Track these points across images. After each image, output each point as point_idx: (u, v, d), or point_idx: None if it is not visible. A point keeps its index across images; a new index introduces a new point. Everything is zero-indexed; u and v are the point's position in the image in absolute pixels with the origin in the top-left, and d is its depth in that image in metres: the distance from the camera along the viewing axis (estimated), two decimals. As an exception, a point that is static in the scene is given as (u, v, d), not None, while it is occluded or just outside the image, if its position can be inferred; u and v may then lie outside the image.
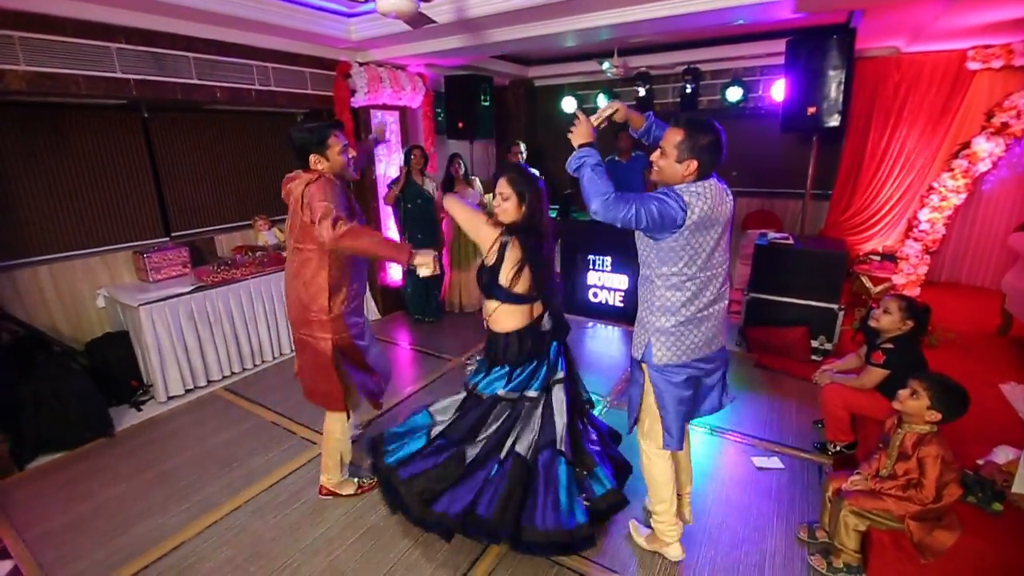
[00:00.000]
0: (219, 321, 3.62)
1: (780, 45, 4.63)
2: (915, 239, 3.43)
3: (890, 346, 2.42)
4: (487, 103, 5.14)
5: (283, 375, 3.77)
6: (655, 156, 1.77)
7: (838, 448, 2.63)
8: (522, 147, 4.89)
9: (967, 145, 3.19)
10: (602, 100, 5.70)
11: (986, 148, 3.09)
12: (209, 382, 3.60)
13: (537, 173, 1.70)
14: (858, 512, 1.93)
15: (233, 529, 2.26)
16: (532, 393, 2.01)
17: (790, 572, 1.99)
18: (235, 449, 2.86)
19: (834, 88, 3.47)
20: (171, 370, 3.38)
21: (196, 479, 2.61)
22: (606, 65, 4.56)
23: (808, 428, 2.97)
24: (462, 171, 4.60)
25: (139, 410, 3.32)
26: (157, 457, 2.81)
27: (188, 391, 3.48)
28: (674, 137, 1.70)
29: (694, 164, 1.69)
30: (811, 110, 3.54)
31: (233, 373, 3.75)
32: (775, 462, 2.65)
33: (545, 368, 2.04)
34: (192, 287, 3.47)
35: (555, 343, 2.08)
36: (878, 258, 4.37)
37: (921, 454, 1.83)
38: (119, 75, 2.92)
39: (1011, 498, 1.95)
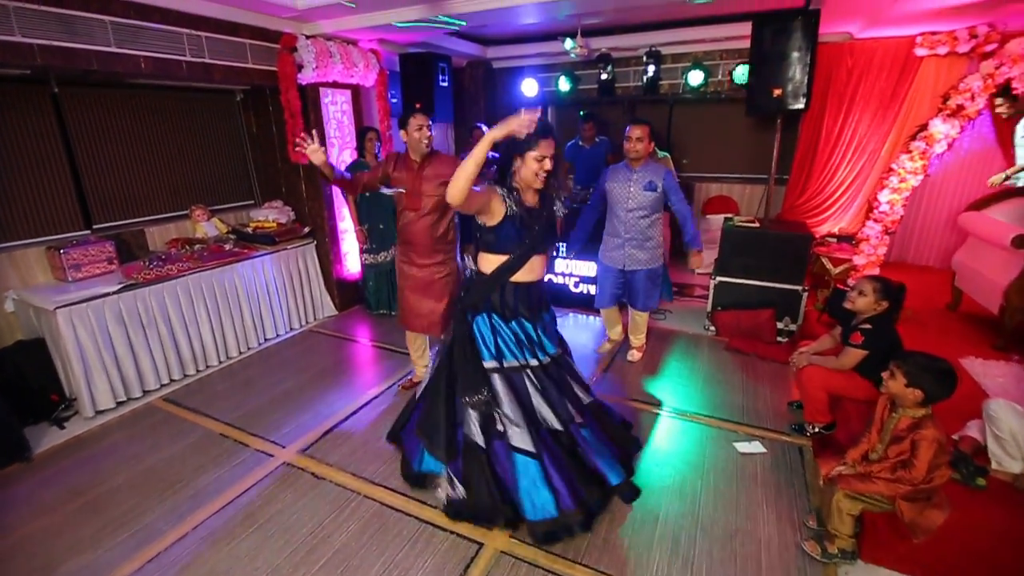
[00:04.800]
0: (153, 323, 3.23)
1: (740, 29, 4.66)
2: (875, 220, 3.51)
3: (868, 327, 2.43)
4: (445, 83, 4.87)
5: (232, 380, 3.43)
6: (641, 147, 2.91)
7: (816, 429, 2.64)
8: (484, 129, 4.68)
9: (924, 127, 3.28)
10: (564, 83, 5.56)
11: (942, 130, 3.19)
12: (145, 392, 3.22)
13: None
14: (851, 496, 1.91)
15: (179, 562, 1.98)
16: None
17: (787, 560, 1.95)
18: (178, 467, 2.54)
19: (799, 70, 3.47)
20: (98, 380, 2.99)
21: (133, 505, 2.29)
22: (570, 44, 4.40)
23: (783, 410, 2.98)
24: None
25: (62, 428, 2.92)
26: (86, 482, 2.46)
27: (120, 403, 3.09)
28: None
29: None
30: (776, 92, 3.53)
31: (172, 381, 3.37)
32: (757, 446, 2.63)
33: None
34: (119, 285, 3.06)
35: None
36: (835, 240, 4.49)
37: (916, 436, 1.81)
38: (18, 39, 2.48)
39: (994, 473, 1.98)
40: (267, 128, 4.21)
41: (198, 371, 3.52)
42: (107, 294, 2.99)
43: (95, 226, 3.49)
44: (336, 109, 4.25)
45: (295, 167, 4.19)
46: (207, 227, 3.99)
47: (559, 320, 2.39)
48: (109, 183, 3.54)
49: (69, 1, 2.61)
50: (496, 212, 1.97)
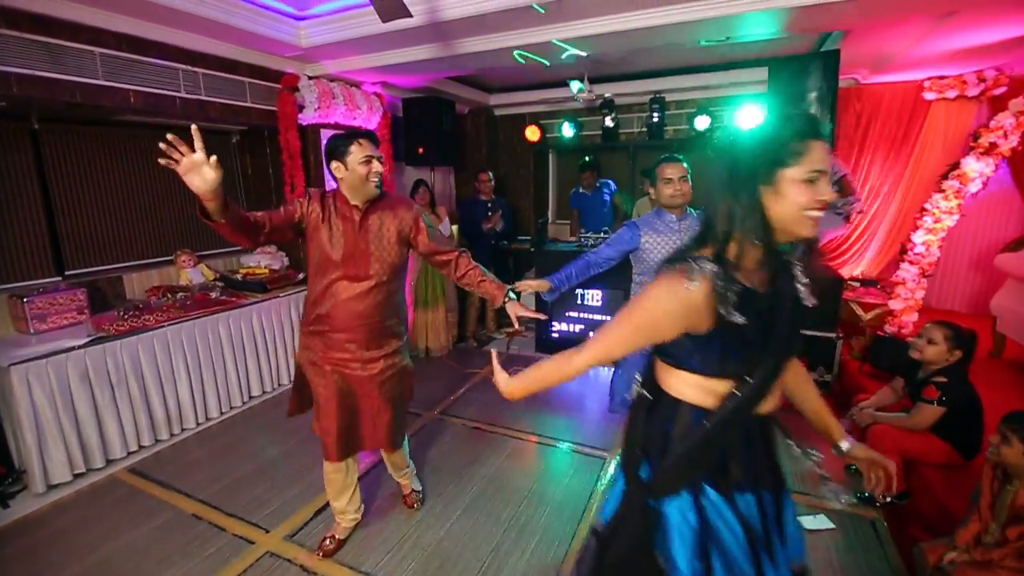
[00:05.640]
0: (123, 382, 2.85)
1: (744, 75, 4.67)
2: (911, 262, 3.33)
3: (943, 379, 2.16)
4: (450, 128, 4.77)
5: (210, 446, 3.02)
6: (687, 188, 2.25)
7: (888, 499, 2.30)
8: (490, 175, 4.54)
9: (956, 166, 3.17)
10: (567, 129, 5.50)
11: (976, 168, 3.08)
12: (108, 462, 2.79)
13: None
14: (970, 590, 1.56)
15: None
16: None
17: (897, 678, 1.57)
18: (139, 559, 2.11)
19: (821, 111, 3.37)
20: (54, 449, 2.57)
21: (78, 612, 1.86)
22: (577, 87, 4.33)
23: (839, 475, 2.64)
24: (428, 200, 4.16)
25: (5, 506, 2.48)
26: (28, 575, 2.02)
27: (78, 476, 2.66)
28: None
29: None
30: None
31: (141, 448, 2.95)
32: (823, 521, 2.27)
33: None
34: (88, 338, 2.71)
35: None
36: (858, 284, 4.29)
37: (1045, 514, 1.50)
38: (-7, 67, 2.27)
39: None
40: (263, 171, 4.00)
41: (172, 435, 3.11)
42: (72, 348, 2.63)
43: (68, 272, 3.17)
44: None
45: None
46: (192, 273, 3.68)
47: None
48: (87, 226, 3.25)
49: (57, 30, 2.42)
50: (701, 319, 0.98)
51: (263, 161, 3.97)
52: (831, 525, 2.24)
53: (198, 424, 3.25)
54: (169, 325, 3.07)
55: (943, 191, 3.19)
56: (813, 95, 3.43)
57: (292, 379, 1.95)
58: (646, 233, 2.23)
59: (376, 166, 1.78)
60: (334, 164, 1.80)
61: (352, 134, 1.78)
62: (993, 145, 3.00)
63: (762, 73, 3.94)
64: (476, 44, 3.19)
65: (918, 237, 3.29)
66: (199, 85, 3.03)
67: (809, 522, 2.25)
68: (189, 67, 2.96)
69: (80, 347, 2.67)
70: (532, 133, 5.67)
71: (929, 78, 4.14)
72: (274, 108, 3.51)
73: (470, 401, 3.57)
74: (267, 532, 2.26)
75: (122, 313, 2.97)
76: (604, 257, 2.27)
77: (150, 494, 2.55)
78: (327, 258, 1.81)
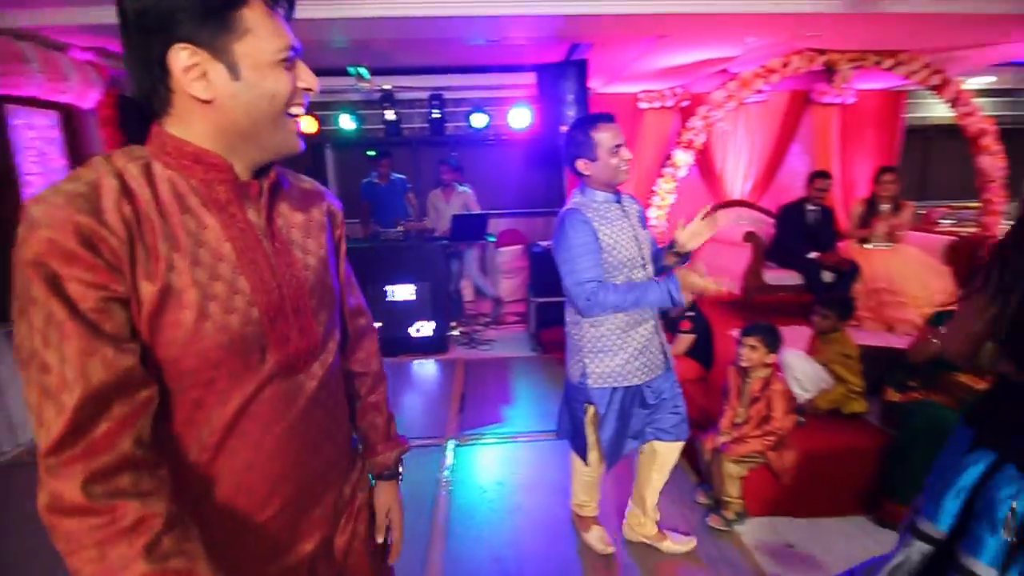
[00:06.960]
0: None
1: (513, 78, 5.20)
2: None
3: (692, 314, 2.84)
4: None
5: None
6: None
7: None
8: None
9: (669, 157, 4.18)
10: (347, 121, 5.23)
11: (683, 159, 4.11)
12: None
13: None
14: (736, 460, 2.13)
15: None
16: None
17: (703, 542, 2.04)
18: None
19: (578, 111, 4.01)
20: None
21: None
22: (357, 71, 4.16)
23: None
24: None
25: None
26: None
27: None
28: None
29: None
30: (564, 130, 3.99)
31: None
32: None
33: None
34: None
35: None
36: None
37: (769, 392, 2.14)
38: None
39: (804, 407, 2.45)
40: None
41: None
42: None
43: None
44: (35, 135, 3.03)
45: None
46: None
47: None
48: None
49: None
50: None
51: None
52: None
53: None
54: None
55: (663, 176, 4.18)
56: (571, 98, 4.06)
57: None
58: (598, 224, 1.68)
59: (306, 75, 0.71)
60: (182, 50, 0.60)
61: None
62: (691, 141, 4.05)
63: (530, 77, 4.45)
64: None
65: (652, 213, 4.24)
66: None
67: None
68: None
69: None
70: (309, 124, 5.21)
71: (643, 91, 5.31)
72: (-85, 68, 2.41)
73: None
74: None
75: None
76: (599, 272, 1.64)
77: None
78: (206, 346, 0.64)
